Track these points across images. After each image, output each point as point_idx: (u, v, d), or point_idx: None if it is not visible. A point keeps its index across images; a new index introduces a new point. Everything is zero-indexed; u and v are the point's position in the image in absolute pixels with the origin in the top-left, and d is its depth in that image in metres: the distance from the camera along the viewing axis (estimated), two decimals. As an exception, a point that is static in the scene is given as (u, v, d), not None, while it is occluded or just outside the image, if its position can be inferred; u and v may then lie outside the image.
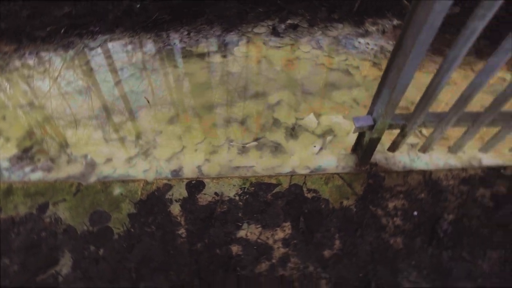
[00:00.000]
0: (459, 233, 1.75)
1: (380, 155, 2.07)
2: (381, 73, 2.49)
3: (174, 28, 3.12)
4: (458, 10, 3.06)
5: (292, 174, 1.97)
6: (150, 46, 2.98)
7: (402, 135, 1.85)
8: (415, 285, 1.59)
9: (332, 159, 2.06)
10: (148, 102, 2.49)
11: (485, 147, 2.03)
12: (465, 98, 1.61)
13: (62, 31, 3.04)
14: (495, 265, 1.64)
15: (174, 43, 2.98)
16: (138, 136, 2.28)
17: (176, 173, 2.07)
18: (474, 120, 1.78)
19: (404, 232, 1.75)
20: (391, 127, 1.77)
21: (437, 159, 2.08)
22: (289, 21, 3.07)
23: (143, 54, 2.91)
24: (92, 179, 2.09)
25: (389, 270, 1.63)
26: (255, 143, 2.17)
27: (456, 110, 1.68)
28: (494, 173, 2.00)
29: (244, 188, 1.92)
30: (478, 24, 1.29)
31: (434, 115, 1.79)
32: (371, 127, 1.74)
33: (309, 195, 1.87)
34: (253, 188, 1.91)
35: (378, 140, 1.82)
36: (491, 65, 1.44)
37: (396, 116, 1.75)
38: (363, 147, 1.90)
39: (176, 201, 1.90)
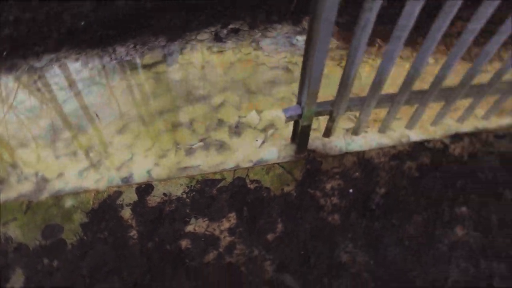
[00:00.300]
0: (389, 204, 1.92)
1: (318, 141, 2.22)
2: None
3: (120, 43, 3.19)
4: (386, 4, 3.30)
5: (235, 169, 2.08)
6: (97, 62, 3.03)
7: (332, 120, 2.01)
8: (351, 256, 1.74)
9: (274, 150, 2.19)
10: (97, 116, 2.55)
11: (410, 124, 2.23)
12: (377, 82, 1.79)
13: (4, 53, 3.04)
14: (419, 227, 1.81)
15: (121, 57, 3.05)
16: (89, 149, 2.33)
17: (127, 179, 2.14)
18: (392, 101, 1.96)
19: (340, 209, 1.90)
20: (319, 114, 1.93)
21: (370, 140, 2.25)
22: (231, 26, 3.20)
23: (90, 70, 2.95)
24: (44, 195, 2.12)
25: (328, 245, 1.77)
26: (201, 143, 2.27)
27: (372, 93, 1.86)
28: (419, 147, 2.20)
29: (191, 186, 2.02)
30: (369, 15, 1.46)
31: (358, 99, 1.96)
32: (300, 116, 1.89)
33: (251, 186, 1.99)
34: (199, 186, 2.01)
35: (309, 127, 1.97)
36: (389, 53, 1.62)
37: (322, 103, 1.91)
38: (298, 136, 2.05)
39: (126, 205, 1.97)
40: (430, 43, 1.62)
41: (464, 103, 2.22)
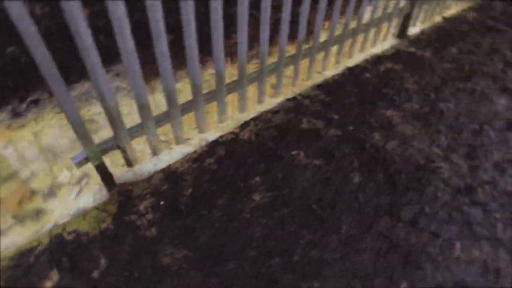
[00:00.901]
0: (196, 200, 2.22)
1: (129, 173, 2.42)
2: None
3: None
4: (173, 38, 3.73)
5: (51, 229, 2.13)
6: None
7: (123, 151, 2.23)
8: (171, 256, 1.95)
9: (89, 196, 2.31)
10: None
11: (200, 129, 2.61)
12: (140, 106, 2.08)
13: None
14: (223, 208, 2.15)
15: None
16: None
17: None
18: (168, 116, 2.29)
19: (155, 222, 2.12)
20: (106, 151, 2.13)
21: (175, 154, 2.55)
22: (30, 99, 3.22)
23: None
24: None
25: (148, 257, 1.96)
26: (13, 221, 2.24)
27: (144, 116, 2.14)
28: (215, 144, 2.59)
29: (6, 266, 1.98)
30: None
31: (137, 126, 2.23)
32: (87, 159, 2.06)
33: (69, 237, 2.06)
34: (13, 261, 1.99)
35: (102, 165, 2.15)
36: (130, 78, 1.93)
37: (105, 140, 2.12)
38: (101, 176, 2.21)
39: None
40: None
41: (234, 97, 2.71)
